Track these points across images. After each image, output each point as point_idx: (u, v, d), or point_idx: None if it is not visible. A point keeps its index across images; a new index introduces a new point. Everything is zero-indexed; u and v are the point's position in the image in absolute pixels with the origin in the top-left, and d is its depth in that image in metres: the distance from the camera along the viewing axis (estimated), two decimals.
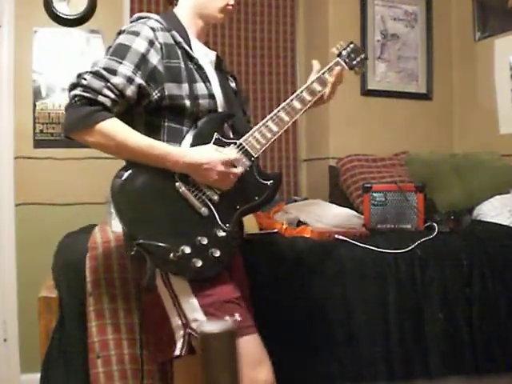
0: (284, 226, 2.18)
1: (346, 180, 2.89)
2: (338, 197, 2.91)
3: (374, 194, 2.32)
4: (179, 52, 1.48)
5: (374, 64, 3.24)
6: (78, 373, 1.75)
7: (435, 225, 2.23)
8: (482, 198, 2.65)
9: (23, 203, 2.82)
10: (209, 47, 1.65)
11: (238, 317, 1.39)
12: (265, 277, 1.87)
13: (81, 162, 2.82)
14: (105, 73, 1.38)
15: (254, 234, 2.06)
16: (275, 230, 2.16)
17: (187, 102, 1.45)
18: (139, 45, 1.43)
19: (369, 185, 2.36)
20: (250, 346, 1.38)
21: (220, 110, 1.54)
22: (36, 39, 2.85)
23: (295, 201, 2.74)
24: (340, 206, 2.51)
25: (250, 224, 2.06)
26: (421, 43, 3.36)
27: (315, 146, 3.34)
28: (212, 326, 0.53)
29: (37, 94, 2.84)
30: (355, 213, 2.44)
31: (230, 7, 1.58)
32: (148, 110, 1.47)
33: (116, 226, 1.97)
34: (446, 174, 2.80)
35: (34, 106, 2.84)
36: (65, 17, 2.86)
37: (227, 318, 1.38)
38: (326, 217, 2.34)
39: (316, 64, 1.66)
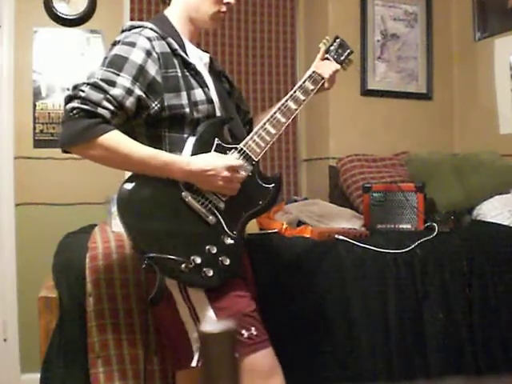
0: (284, 226, 2.18)
1: (346, 180, 2.89)
2: (338, 197, 2.91)
3: (374, 194, 2.32)
4: (176, 60, 1.46)
5: (374, 64, 3.24)
6: (77, 373, 1.75)
7: (435, 225, 2.22)
8: (481, 198, 2.65)
9: (23, 203, 2.82)
10: (201, 48, 1.64)
11: (254, 331, 1.40)
12: (265, 277, 1.87)
13: (81, 162, 2.78)
14: (103, 84, 1.35)
15: (254, 234, 2.06)
16: (275, 230, 2.16)
17: (187, 110, 1.44)
18: (137, 56, 1.40)
19: (369, 185, 2.36)
20: (264, 360, 1.41)
21: (218, 113, 1.53)
22: (36, 39, 2.85)
23: (295, 201, 2.74)
24: (340, 206, 2.51)
25: (250, 224, 2.06)
26: (421, 43, 3.36)
27: (315, 146, 3.34)
28: (212, 326, 0.53)
29: (37, 94, 2.84)
30: (355, 213, 2.44)
31: (222, 14, 1.57)
32: (148, 122, 1.45)
33: (116, 226, 1.97)
34: (445, 174, 2.80)
35: (34, 106, 2.84)
36: (65, 17, 2.86)
37: (244, 332, 1.38)
38: (326, 217, 2.35)
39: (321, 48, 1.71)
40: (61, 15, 2.85)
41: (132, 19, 3.01)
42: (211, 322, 1.48)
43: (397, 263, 2.03)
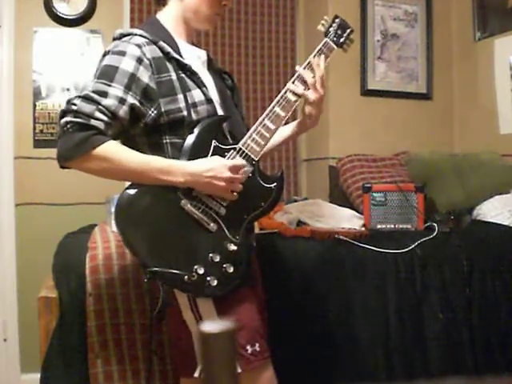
0: (284, 226, 2.18)
1: (346, 180, 2.89)
2: (338, 197, 2.91)
3: (374, 194, 2.32)
4: (169, 64, 1.42)
5: (374, 64, 3.24)
6: (77, 373, 1.75)
7: (435, 225, 2.23)
8: (481, 198, 2.65)
9: (23, 203, 2.82)
10: (198, 46, 1.61)
11: (257, 347, 1.40)
12: (264, 277, 1.87)
13: None
14: (95, 96, 1.33)
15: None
16: (275, 230, 2.16)
17: (185, 113, 1.41)
18: (127, 65, 1.37)
19: (369, 185, 2.36)
20: (264, 379, 1.43)
21: (220, 112, 1.49)
22: (36, 39, 2.85)
23: (295, 201, 2.74)
24: (340, 206, 2.51)
25: None
26: (421, 43, 3.36)
27: (315, 146, 3.34)
28: (212, 326, 0.53)
29: (37, 94, 2.84)
30: (355, 213, 2.44)
31: (219, 16, 1.55)
32: (147, 130, 1.42)
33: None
34: (446, 174, 2.80)
35: (34, 106, 2.84)
36: (65, 17, 2.86)
37: (248, 347, 1.38)
38: (326, 217, 2.35)
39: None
40: (61, 15, 2.85)
41: (132, 19, 3.01)
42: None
43: (397, 263, 2.03)
